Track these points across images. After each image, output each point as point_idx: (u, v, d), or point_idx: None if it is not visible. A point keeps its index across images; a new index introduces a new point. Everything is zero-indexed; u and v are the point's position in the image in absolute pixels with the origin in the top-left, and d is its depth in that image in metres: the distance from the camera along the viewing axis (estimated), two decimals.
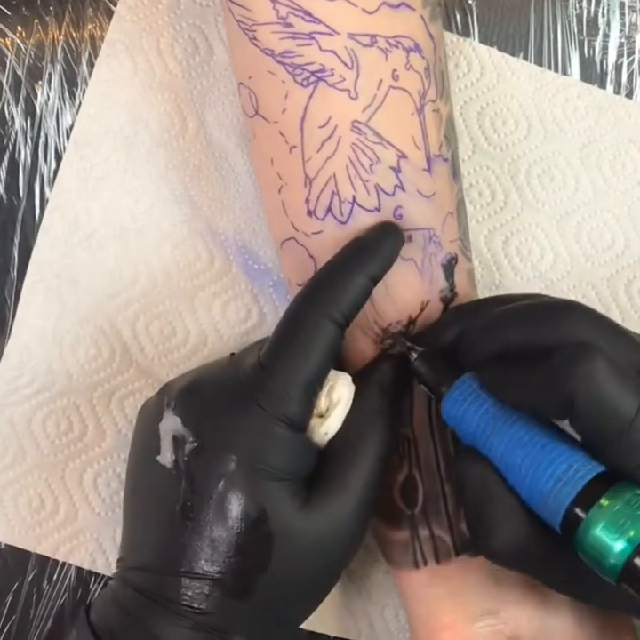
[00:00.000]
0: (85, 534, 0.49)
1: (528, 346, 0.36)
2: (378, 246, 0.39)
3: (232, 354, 0.42)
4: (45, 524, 0.49)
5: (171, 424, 0.39)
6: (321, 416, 0.40)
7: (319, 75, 0.39)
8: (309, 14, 0.39)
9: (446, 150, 0.42)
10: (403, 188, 0.40)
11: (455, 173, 0.43)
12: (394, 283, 0.41)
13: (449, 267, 0.42)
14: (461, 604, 0.41)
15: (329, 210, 0.41)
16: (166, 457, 0.39)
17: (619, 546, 0.32)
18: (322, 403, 0.40)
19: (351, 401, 0.40)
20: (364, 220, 0.41)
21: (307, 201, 0.41)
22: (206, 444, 0.38)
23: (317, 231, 0.41)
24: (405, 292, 0.42)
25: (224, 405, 0.39)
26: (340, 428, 0.40)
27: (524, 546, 0.36)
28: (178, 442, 0.39)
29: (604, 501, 0.33)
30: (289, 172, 0.41)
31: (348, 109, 0.40)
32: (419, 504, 0.42)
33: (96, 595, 0.49)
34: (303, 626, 0.43)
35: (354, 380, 0.40)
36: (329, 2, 0.39)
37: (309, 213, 0.41)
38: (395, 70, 0.40)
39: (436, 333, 0.41)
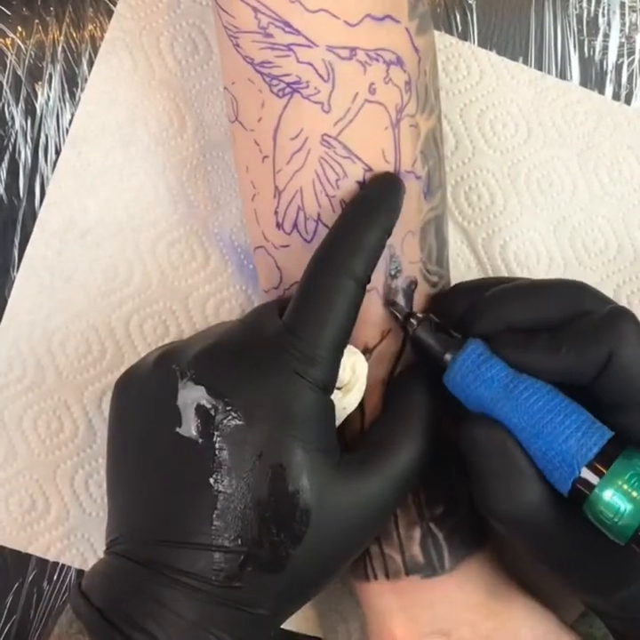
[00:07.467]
0: (77, 535, 0.49)
1: (542, 317, 0.37)
2: (385, 198, 0.39)
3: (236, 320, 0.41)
4: (37, 525, 0.49)
5: (193, 394, 0.36)
6: (339, 388, 0.38)
7: (294, 86, 0.39)
8: (289, 25, 0.38)
9: (421, 167, 0.41)
10: None
11: (428, 191, 0.42)
12: None
13: (408, 291, 0.41)
14: (412, 620, 0.41)
15: (295, 225, 0.40)
16: (190, 428, 0.36)
17: (630, 509, 0.34)
18: (346, 374, 0.38)
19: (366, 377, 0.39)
20: None
21: (275, 213, 0.41)
22: (239, 413, 0.36)
23: (285, 245, 0.41)
24: (365, 320, 0.40)
25: (254, 372, 0.36)
26: (383, 403, 0.39)
27: (536, 512, 0.35)
28: (204, 412, 0.36)
29: (616, 466, 0.34)
30: (261, 181, 0.41)
31: (320, 122, 0.39)
32: None
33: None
34: (292, 627, 0.43)
35: None
36: (310, 14, 0.38)
37: (278, 226, 0.41)
38: (372, 84, 0.39)
39: (444, 303, 0.40)
